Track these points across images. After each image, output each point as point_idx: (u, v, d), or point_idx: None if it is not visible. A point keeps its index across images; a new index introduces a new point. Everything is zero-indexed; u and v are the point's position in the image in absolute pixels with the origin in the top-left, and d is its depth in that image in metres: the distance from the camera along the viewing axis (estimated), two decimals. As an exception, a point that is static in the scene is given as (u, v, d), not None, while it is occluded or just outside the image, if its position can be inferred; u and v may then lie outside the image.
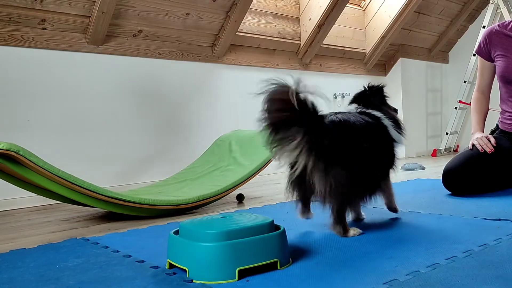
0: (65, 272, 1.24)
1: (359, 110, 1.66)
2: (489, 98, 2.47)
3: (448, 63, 5.65)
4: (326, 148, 1.38)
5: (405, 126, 1.74)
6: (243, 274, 1.11)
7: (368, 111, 1.65)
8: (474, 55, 4.89)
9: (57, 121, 2.69)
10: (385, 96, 1.77)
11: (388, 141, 1.64)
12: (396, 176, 3.25)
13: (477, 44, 2.46)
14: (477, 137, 2.31)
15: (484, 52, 2.39)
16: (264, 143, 1.37)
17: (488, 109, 2.47)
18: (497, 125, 2.45)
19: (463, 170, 2.24)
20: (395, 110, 1.81)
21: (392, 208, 1.76)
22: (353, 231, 1.48)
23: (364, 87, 1.75)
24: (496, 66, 2.36)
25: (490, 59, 2.39)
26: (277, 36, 3.87)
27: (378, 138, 1.59)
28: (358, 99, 1.73)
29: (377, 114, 1.64)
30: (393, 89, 5.01)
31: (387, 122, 1.64)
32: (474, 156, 2.26)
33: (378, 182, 1.62)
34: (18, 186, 1.90)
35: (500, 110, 2.43)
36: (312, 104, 1.38)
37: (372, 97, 1.71)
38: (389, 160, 1.66)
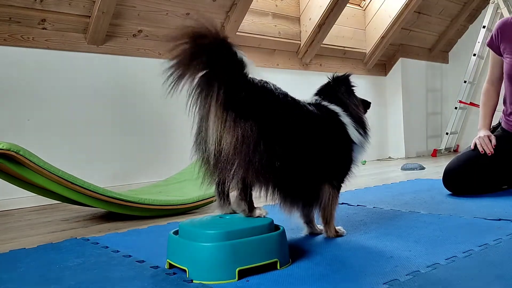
0: (65, 272, 1.24)
1: (314, 101, 1.47)
2: (500, 89, 2.39)
3: (448, 63, 5.65)
4: (241, 100, 1.17)
5: (370, 127, 1.52)
6: (243, 274, 1.11)
7: (325, 103, 1.46)
8: (474, 55, 4.89)
9: (57, 121, 2.69)
10: (352, 86, 1.56)
11: (339, 138, 1.43)
12: (395, 177, 3.26)
13: (489, 36, 2.38)
14: (480, 136, 2.29)
15: (495, 45, 2.31)
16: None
17: (497, 101, 2.40)
18: (499, 122, 2.43)
19: (463, 170, 2.24)
20: (367, 104, 1.60)
21: (325, 230, 1.48)
22: (260, 211, 1.24)
23: (328, 77, 1.55)
24: (504, 63, 2.29)
25: (499, 53, 2.31)
26: (277, 36, 3.87)
27: (320, 131, 1.37)
28: (321, 91, 1.54)
29: (336, 108, 1.45)
30: (393, 89, 5.01)
31: (346, 119, 1.45)
32: (475, 156, 2.26)
33: (310, 180, 1.36)
34: (18, 186, 1.90)
35: (503, 109, 2.40)
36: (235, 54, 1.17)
37: (336, 89, 1.52)
38: (337, 162, 1.43)
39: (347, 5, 4.07)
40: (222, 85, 1.14)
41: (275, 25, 3.86)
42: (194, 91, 1.15)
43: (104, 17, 2.75)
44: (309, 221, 1.53)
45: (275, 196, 1.31)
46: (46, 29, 2.65)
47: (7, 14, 2.50)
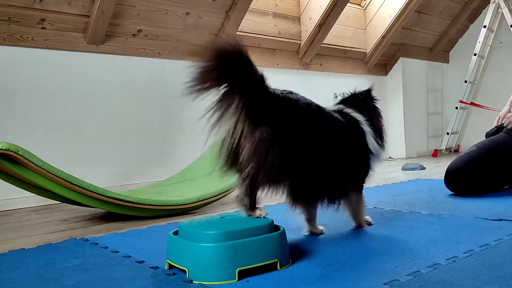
0: (64, 272, 1.23)
1: (338, 108, 1.54)
2: None
3: (448, 62, 5.64)
4: (264, 112, 1.23)
5: (386, 138, 1.60)
6: (243, 274, 1.11)
7: (348, 111, 1.53)
8: (475, 54, 4.89)
9: (56, 121, 2.68)
10: (374, 99, 1.65)
11: (359, 146, 1.49)
12: (396, 177, 3.25)
13: None
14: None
15: None
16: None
17: None
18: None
19: (466, 171, 2.24)
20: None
21: (357, 224, 1.60)
22: (260, 212, 1.27)
23: (350, 92, 1.66)
24: None
25: None
26: (277, 35, 3.86)
27: (342, 137, 1.44)
28: (345, 101, 1.62)
29: (358, 117, 1.52)
30: (394, 89, 5.01)
31: (366, 128, 1.51)
32: (477, 157, 2.26)
33: (334, 185, 1.45)
34: (18, 186, 1.90)
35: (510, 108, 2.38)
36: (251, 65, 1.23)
37: (360, 100, 1.61)
38: (357, 167, 1.51)
39: (348, 4, 4.07)
40: (244, 98, 1.19)
41: (275, 25, 3.86)
42: (217, 103, 1.21)
43: (104, 17, 2.74)
44: (311, 219, 1.53)
45: (293, 196, 1.37)
46: (45, 28, 2.65)
47: (6, 13, 2.50)
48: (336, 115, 1.45)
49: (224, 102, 1.20)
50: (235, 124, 1.20)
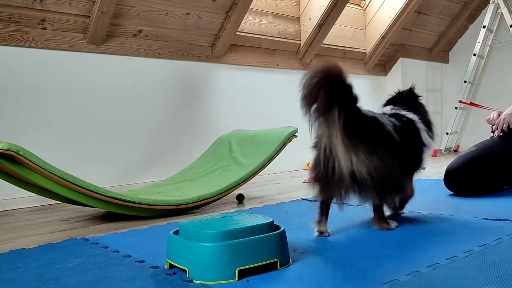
0: (65, 272, 1.24)
1: (393, 112, 1.70)
2: None
3: (448, 63, 5.65)
4: (360, 130, 1.43)
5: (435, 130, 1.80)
6: (243, 274, 1.11)
7: (403, 113, 1.70)
8: (474, 55, 4.89)
9: (57, 121, 2.69)
10: (418, 97, 1.84)
11: (418, 144, 1.69)
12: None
13: None
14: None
15: None
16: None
17: None
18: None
19: (466, 171, 2.24)
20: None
21: (395, 210, 1.80)
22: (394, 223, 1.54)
23: (395, 92, 1.85)
24: None
25: None
26: (277, 36, 3.87)
27: (408, 140, 1.62)
28: (393, 101, 1.80)
29: (412, 116, 1.69)
30: (394, 89, 4.99)
31: (420, 125, 1.69)
32: (477, 157, 2.26)
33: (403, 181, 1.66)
34: (18, 186, 1.90)
35: None
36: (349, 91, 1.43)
37: (407, 99, 1.79)
38: (415, 163, 1.74)
39: (347, 5, 4.07)
40: (343, 117, 1.37)
41: (275, 25, 3.86)
42: (318, 116, 1.39)
43: (104, 17, 2.74)
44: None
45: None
46: (46, 29, 2.65)
47: (6, 14, 2.50)
48: (399, 121, 1.62)
49: (327, 115, 1.38)
50: (341, 142, 1.38)
